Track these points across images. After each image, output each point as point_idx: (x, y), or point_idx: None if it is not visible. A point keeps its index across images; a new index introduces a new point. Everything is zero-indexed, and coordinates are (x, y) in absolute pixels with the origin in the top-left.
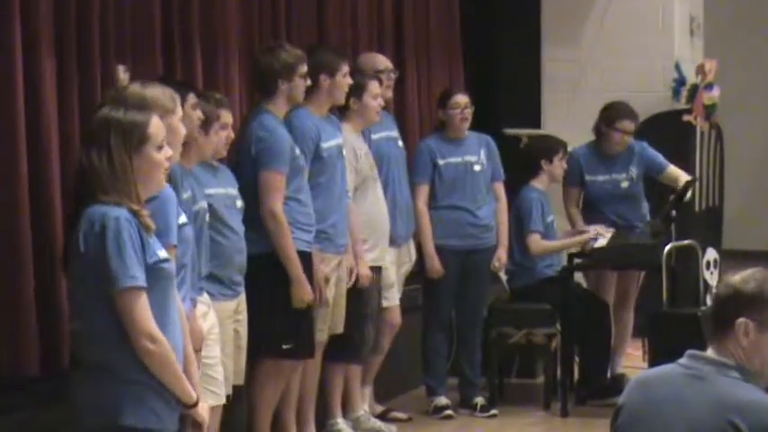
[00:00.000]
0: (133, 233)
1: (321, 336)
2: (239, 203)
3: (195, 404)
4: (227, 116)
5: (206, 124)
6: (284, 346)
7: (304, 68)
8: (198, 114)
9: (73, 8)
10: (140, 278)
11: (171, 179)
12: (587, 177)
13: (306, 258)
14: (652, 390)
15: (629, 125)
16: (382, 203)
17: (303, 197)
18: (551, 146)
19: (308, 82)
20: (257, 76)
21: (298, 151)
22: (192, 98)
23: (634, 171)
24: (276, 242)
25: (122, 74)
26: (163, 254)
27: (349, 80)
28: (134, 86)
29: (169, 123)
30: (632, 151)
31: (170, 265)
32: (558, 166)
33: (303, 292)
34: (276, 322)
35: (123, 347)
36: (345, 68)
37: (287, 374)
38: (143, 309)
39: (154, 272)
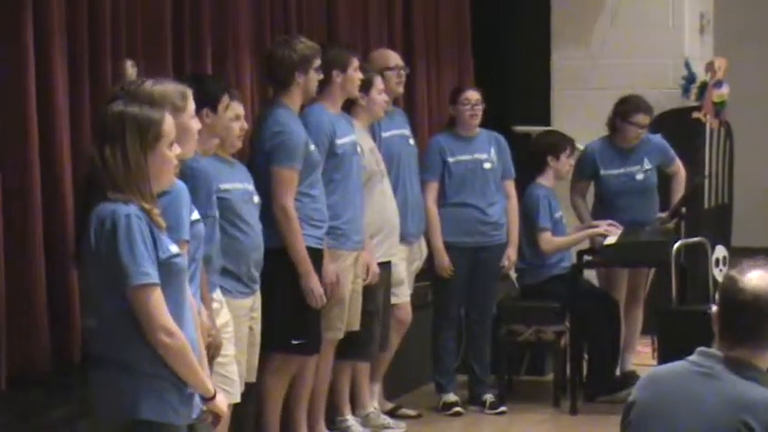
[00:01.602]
0: (144, 229)
1: (338, 333)
2: (256, 199)
3: (213, 397)
4: (237, 107)
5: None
6: (294, 342)
7: (318, 61)
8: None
9: (85, 6)
10: (153, 275)
11: (199, 176)
12: (602, 172)
13: (316, 255)
14: (663, 387)
15: (644, 119)
16: (390, 199)
17: (316, 193)
18: (558, 142)
19: (321, 76)
20: (272, 68)
21: (312, 146)
22: (224, 100)
23: (648, 163)
24: (286, 238)
25: (130, 68)
26: (174, 249)
27: (360, 74)
28: (146, 84)
29: (180, 122)
30: (647, 143)
31: (182, 259)
32: (566, 163)
33: (314, 287)
34: (287, 318)
35: (139, 343)
36: (356, 63)
37: (294, 369)
38: (158, 303)
39: (166, 267)
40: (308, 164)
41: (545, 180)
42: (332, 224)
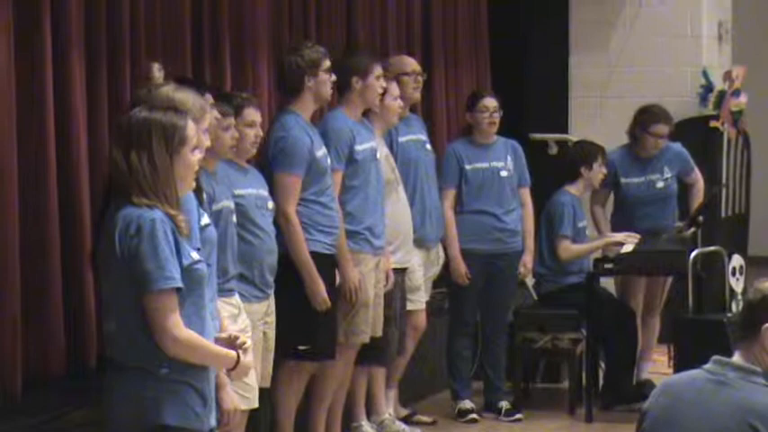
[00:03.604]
0: (169, 235)
1: (364, 337)
2: (270, 204)
3: (237, 363)
4: (253, 114)
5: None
6: (300, 348)
7: (328, 63)
8: (214, 114)
9: (103, 9)
10: (178, 279)
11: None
12: (623, 180)
13: (325, 261)
14: (677, 395)
15: (663, 129)
16: (405, 206)
17: (325, 199)
18: (591, 152)
19: (333, 77)
20: (283, 76)
21: (320, 153)
22: (208, 98)
23: (668, 171)
24: (289, 244)
25: (156, 72)
26: (195, 255)
27: (382, 82)
28: (165, 89)
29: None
30: (667, 151)
31: (203, 266)
32: (599, 172)
33: (318, 293)
34: (294, 323)
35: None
36: (378, 71)
37: (306, 374)
38: (174, 311)
39: (188, 273)
40: (314, 171)
41: (574, 188)
42: (353, 229)
